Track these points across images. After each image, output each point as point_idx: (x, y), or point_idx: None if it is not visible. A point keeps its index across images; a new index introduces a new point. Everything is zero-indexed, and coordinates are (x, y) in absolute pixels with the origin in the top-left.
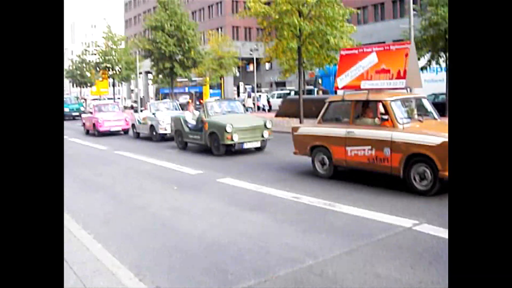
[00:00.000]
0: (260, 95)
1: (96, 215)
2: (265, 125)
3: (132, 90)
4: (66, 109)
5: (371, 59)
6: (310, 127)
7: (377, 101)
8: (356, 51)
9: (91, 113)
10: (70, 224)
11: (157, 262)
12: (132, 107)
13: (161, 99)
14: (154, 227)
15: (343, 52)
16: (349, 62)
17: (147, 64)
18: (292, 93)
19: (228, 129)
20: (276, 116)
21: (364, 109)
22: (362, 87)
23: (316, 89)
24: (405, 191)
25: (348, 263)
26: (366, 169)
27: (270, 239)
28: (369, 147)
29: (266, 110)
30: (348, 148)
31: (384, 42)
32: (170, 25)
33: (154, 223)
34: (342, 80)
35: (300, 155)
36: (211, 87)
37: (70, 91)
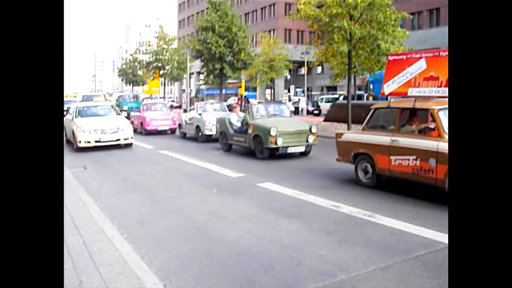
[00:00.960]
0: (299, 99)
1: (131, 215)
2: (310, 130)
3: (184, 89)
4: (125, 107)
5: (420, 66)
6: (354, 134)
7: (424, 110)
8: (404, 57)
9: (139, 111)
10: (104, 223)
11: (185, 267)
12: (172, 106)
13: (200, 101)
14: (188, 230)
15: (390, 58)
16: (397, 68)
17: (198, 64)
18: (341, 97)
19: (273, 132)
20: (325, 120)
21: (410, 117)
22: (409, 94)
23: (366, 95)
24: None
25: (381, 280)
26: (410, 179)
27: (304, 249)
28: (414, 157)
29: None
30: (392, 157)
31: (438, 49)
32: (221, 26)
33: (188, 227)
34: (389, 87)
35: (343, 162)
36: (246, 89)
37: (122, 88)
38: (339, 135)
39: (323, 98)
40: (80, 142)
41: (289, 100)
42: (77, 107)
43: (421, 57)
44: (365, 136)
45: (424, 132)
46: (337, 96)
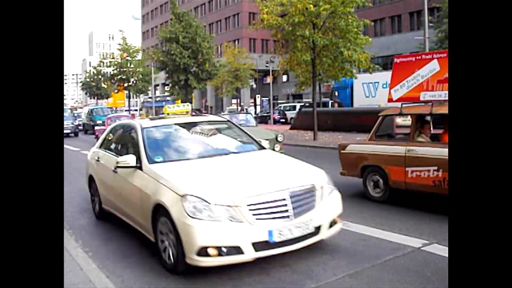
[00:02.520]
0: (246, 109)
1: (97, 233)
2: (276, 139)
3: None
4: (98, 121)
5: (432, 67)
6: (361, 145)
7: (443, 115)
8: (412, 59)
9: (104, 124)
10: (68, 242)
11: (152, 284)
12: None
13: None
14: (155, 246)
15: (396, 60)
16: (405, 70)
17: (163, 76)
18: (298, 105)
19: None
20: (291, 129)
21: (421, 124)
22: (421, 98)
23: (331, 102)
24: (418, 209)
25: (351, 287)
26: (432, 192)
27: (272, 260)
28: (435, 167)
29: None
30: (409, 169)
31: (401, 55)
32: (185, 37)
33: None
34: (397, 92)
35: (348, 176)
36: (182, 101)
37: (86, 102)
38: (343, 146)
39: (285, 107)
40: None
41: (242, 110)
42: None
43: (432, 58)
44: (374, 146)
45: (439, 140)
46: (295, 104)
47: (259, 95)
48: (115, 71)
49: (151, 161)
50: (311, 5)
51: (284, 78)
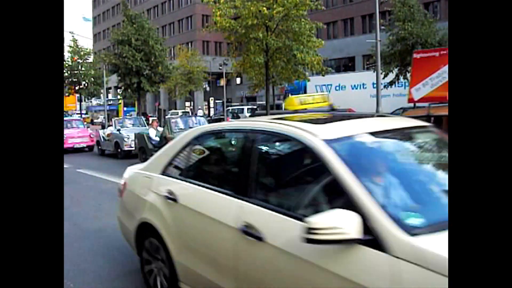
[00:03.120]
0: (196, 113)
1: None
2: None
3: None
4: None
5: None
6: None
7: None
8: (435, 54)
9: None
10: None
11: None
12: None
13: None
14: (109, 252)
15: (416, 55)
16: (427, 67)
17: (115, 79)
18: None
19: None
20: None
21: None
22: None
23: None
24: None
25: None
26: None
27: None
28: None
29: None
30: None
31: (353, 57)
32: (137, 39)
33: (109, 248)
34: (419, 90)
35: None
36: (125, 105)
37: None
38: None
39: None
40: None
41: (191, 113)
42: None
43: None
44: None
45: None
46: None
47: (212, 98)
48: (66, 74)
49: (405, 227)
50: (264, 8)
51: (238, 80)
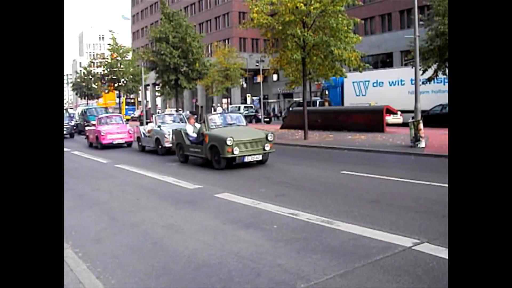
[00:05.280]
0: (215, 108)
1: (87, 233)
2: (266, 138)
3: (140, 102)
4: (93, 121)
5: None
6: None
7: None
8: None
9: (94, 125)
10: None
11: (142, 284)
12: (131, 119)
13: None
14: (145, 246)
15: None
16: None
17: (153, 76)
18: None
19: (229, 142)
20: (282, 128)
21: None
22: None
23: (318, 101)
24: (409, 208)
25: (341, 287)
26: None
27: (263, 259)
28: None
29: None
30: None
31: (391, 53)
32: (175, 36)
33: (145, 242)
34: None
35: None
36: (127, 104)
37: (77, 103)
38: None
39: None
40: None
41: (214, 110)
42: None
43: None
44: None
45: None
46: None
47: (249, 94)
48: (106, 71)
49: None
50: (301, 4)
51: (275, 77)
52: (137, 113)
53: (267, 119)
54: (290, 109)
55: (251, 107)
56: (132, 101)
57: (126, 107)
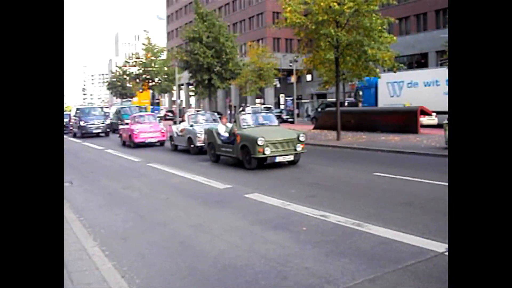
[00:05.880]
0: (242, 109)
1: (115, 231)
2: (298, 139)
3: (174, 101)
4: (127, 120)
5: None
6: None
7: None
8: None
9: (128, 124)
10: (86, 240)
11: (167, 284)
12: (166, 118)
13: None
14: (172, 245)
15: None
16: None
17: (187, 75)
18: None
19: (260, 142)
20: (315, 128)
21: None
22: None
23: (347, 101)
24: (442, 212)
25: None
26: None
27: (290, 262)
28: None
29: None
30: None
31: (426, 53)
32: (208, 36)
33: (173, 241)
34: None
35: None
36: (151, 104)
37: (112, 101)
38: None
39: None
40: None
41: (243, 110)
42: None
43: None
44: None
45: None
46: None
47: (283, 94)
48: (140, 71)
49: None
50: (335, 3)
51: (308, 77)
52: (162, 113)
53: (291, 119)
54: (319, 109)
55: (270, 107)
56: (157, 101)
57: (151, 106)
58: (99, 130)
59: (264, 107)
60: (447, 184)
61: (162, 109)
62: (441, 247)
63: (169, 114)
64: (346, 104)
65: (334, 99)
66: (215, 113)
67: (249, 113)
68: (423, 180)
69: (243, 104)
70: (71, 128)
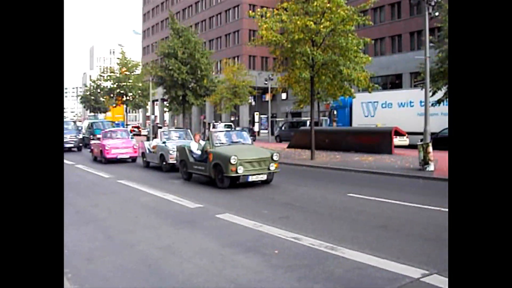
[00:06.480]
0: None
1: (80, 251)
2: (272, 157)
3: (148, 116)
4: (99, 135)
5: None
6: None
7: None
8: None
9: (99, 139)
10: None
11: None
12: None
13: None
14: (139, 268)
15: None
16: None
17: (161, 91)
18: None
19: (233, 160)
20: (289, 147)
21: None
22: None
23: (324, 120)
24: (417, 235)
25: None
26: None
27: (260, 285)
28: None
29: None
30: None
31: (401, 74)
32: (183, 52)
33: (140, 264)
34: None
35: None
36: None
37: (85, 116)
38: None
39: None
40: None
41: (213, 127)
42: None
43: None
44: None
45: None
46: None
47: (258, 112)
48: (114, 85)
49: None
50: (311, 22)
51: (284, 96)
52: (128, 129)
53: (252, 137)
54: (283, 128)
55: (230, 125)
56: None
57: (115, 122)
58: (71, 145)
59: (225, 125)
60: (421, 206)
61: (128, 125)
62: (417, 272)
63: (135, 129)
64: (334, 124)
65: (298, 118)
66: (188, 130)
67: (221, 131)
68: (397, 202)
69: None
70: None
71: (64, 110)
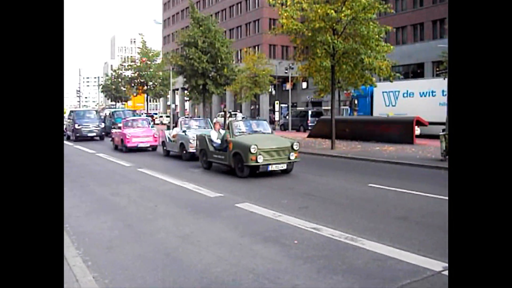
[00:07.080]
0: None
1: (100, 240)
2: (292, 147)
3: (169, 105)
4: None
5: None
6: None
7: None
8: None
9: (120, 128)
10: (68, 250)
11: None
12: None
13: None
14: (157, 257)
15: None
16: None
17: (182, 80)
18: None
19: (253, 150)
20: (309, 136)
21: None
22: None
23: (344, 109)
24: (439, 227)
25: None
26: None
27: (279, 279)
28: None
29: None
30: None
31: (423, 63)
32: (204, 41)
33: (158, 253)
34: None
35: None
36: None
37: (106, 105)
38: None
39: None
40: None
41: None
42: None
43: None
44: None
45: None
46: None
47: (278, 101)
48: (134, 75)
49: None
50: (332, 11)
51: (304, 85)
52: None
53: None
54: (287, 117)
55: (244, 117)
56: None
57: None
58: (94, 134)
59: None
60: (443, 197)
61: (141, 114)
62: (438, 265)
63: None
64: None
65: (303, 108)
66: (208, 119)
67: (240, 120)
68: (418, 193)
69: (229, 110)
70: (65, 130)
71: (86, 100)
